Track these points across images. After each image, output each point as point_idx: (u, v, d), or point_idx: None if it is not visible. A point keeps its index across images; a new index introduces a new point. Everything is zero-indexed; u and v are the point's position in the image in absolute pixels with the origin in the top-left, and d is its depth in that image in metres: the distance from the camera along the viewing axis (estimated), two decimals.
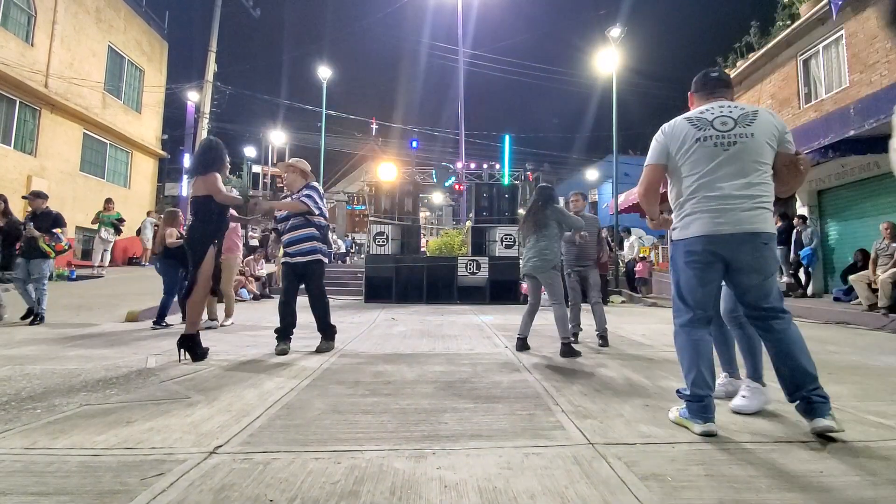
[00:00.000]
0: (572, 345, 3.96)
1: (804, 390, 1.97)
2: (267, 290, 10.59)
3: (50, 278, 6.05)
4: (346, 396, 2.62)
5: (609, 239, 9.77)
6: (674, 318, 2.22)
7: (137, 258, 13.85)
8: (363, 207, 31.33)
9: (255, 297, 9.81)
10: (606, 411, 2.36)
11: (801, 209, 9.93)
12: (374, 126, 30.74)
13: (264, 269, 10.77)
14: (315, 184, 4.17)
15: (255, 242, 12.46)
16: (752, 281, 2.09)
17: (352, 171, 35.29)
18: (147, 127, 16.73)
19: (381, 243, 10.48)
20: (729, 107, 2.16)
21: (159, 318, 5.48)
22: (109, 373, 3.12)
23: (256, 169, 32.26)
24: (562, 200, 11.83)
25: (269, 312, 7.04)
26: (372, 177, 12.67)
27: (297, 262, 4.04)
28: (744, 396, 2.34)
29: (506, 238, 10.56)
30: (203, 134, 16.72)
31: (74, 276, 9.89)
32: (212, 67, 17.15)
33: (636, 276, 12.41)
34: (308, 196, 4.01)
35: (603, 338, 4.46)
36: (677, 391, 2.23)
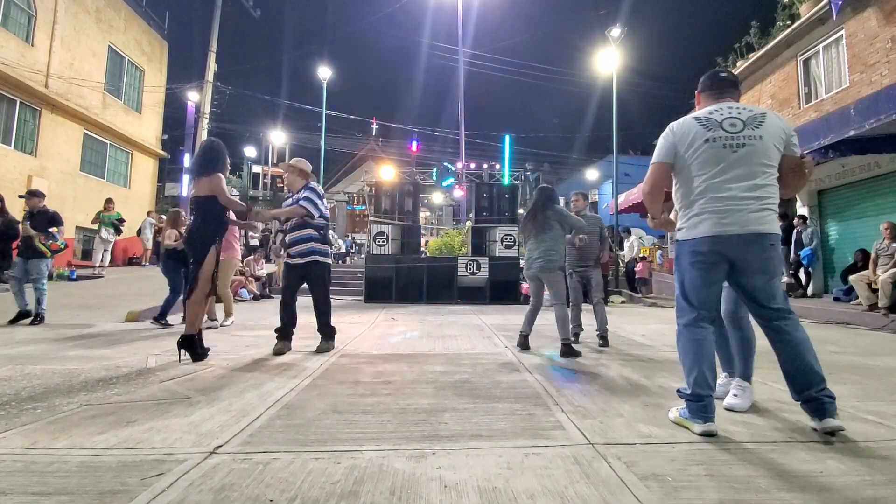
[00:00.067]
0: (573, 345, 3.97)
1: (813, 390, 1.98)
2: (267, 290, 10.60)
3: (50, 278, 6.04)
4: (346, 396, 2.62)
5: (610, 239, 9.75)
6: (677, 318, 2.23)
7: (137, 258, 13.84)
8: (363, 207, 31.31)
9: (255, 297, 9.82)
10: (606, 411, 2.36)
11: (802, 209, 9.93)
12: (375, 126, 30.82)
13: (264, 269, 10.79)
14: (314, 184, 4.18)
15: (255, 243, 12.48)
16: (757, 282, 2.09)
17: (352, 171, 35.27)
18: (147, 127, 16.72)
19: (381, 243, 10.48)
20: (738, 108, 2.16)
21: (161, 315, 5.49)
22: (109, 373, 3.12)
23: (256, 169, 32.32)
24: (562, 201, 11.79)
25: (269, 312, 7.05)
26: (372, 177, 12.66)
27: (298, 264, 4.05)
28: (735, 395, 2.37)
29: (506, 238, 10.55)
30: (203, 134, 16.73)
31: (75, 277, 9.89)
32: (212, 67, 17.15)
33: (636, 276, 12.42)
34: (307, 199, 4.02)
35: (603, 338, 4.46)
36: (678, 391, 2.24)
